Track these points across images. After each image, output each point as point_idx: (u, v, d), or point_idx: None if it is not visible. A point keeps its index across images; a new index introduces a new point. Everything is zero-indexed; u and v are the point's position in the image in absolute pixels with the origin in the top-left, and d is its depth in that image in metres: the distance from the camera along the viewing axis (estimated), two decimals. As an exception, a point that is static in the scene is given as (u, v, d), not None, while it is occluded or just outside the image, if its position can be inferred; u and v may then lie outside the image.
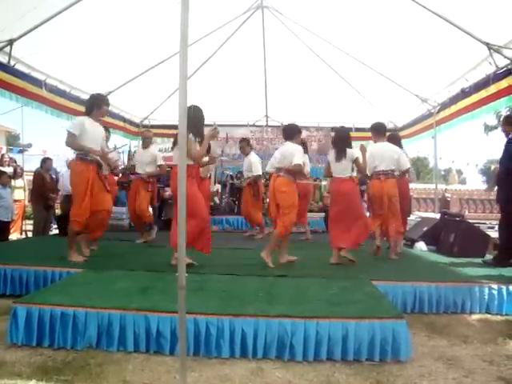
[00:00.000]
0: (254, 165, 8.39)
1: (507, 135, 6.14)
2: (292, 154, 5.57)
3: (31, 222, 9.89)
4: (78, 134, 5.39)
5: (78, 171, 5.48)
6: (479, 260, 6.30)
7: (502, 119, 6.44)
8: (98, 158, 5.62)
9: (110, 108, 10.39)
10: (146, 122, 12.79)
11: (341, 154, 5.75)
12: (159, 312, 3.51)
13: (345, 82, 10.32)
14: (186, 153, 5.07)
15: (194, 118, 5.13)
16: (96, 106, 5.67)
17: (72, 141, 5.43)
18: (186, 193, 5.01)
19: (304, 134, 9.46)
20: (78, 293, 3.97)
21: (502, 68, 6.83)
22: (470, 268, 5.76)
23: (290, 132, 5.88)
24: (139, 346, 3.47)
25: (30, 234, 10.05)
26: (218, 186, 11.39)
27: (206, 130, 5.28)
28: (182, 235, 2.83)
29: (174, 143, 5.43)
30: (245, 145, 8.66)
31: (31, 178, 10.16)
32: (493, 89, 7.13)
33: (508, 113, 12.79)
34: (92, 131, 5.53)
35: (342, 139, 5.91)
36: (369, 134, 7.17)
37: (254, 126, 13.44)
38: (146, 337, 3.47)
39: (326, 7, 7.67)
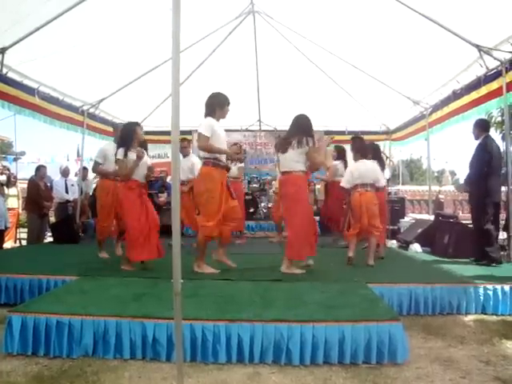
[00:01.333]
0: (197, 166, 8.14)
1: (477, 138, 6.42)
2: (374, 170, 6.34)
3: (25, 230, 9.85)
4: (210, 137, 5.11)
5: (213, 177, 5.22)
6: (475, 261, 6.34)
7: (474, 123, 6.62)
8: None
9: (102, 114, 10.58)
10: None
11: None
12: (155, 319, 3.50)
13: (337, 85, 10.34)
14: (309, 159, 5.34)
15: (306, 125, 5.47)
16: (218, 105, 5.30)
17: (205, 144, 5.12)
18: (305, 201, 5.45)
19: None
20: (74, 301, 3.96)
21: (493, 69, 6.87)
22: (465, 269, 5.79)
23: (365, 151, 6.45)
24: (135, 353, 3.46)
25: (24, 243, 10.03)
26: None
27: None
28: (177, 243, 2.83)
29: (279, 149, 5.54)
30: (187, 144, 7.97)
31: (25, 186, 10.14)
32: (484, 90, 7.17)
33: (499, 114, 12.88)
34: (220, 132, 5.29)
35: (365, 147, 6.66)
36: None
37: (247, 130, 13.48)
38: (142, 344, 3.46)
39: (317, 11, 7.69)
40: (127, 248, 5.57)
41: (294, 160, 5.34)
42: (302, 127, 5.45)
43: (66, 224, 8.57)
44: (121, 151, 5.55)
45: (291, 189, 5.37)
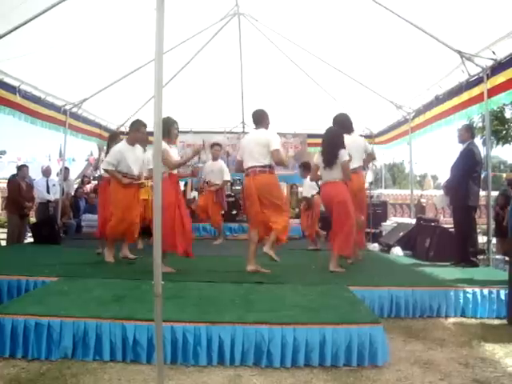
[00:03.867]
0: (226, 170, 8.84)
1: (462, 142, 6.57)
2: None
3: (5, 230, 9.71)
4: None
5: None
6: (454, 264, 6.41)
7: (460, 127, 6.78)
8: None
9: (85, 115, 10.49)
10: (122, 129, 12.69)
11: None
12: (135, 320, 3.47)
13: (321, 88, 10.37)
14: None
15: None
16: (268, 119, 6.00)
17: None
18: None
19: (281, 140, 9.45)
20: (53, 302, 3.91)
21: (474, 76, 6.96)
22: (445, 272, 5.85)
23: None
24: (115, 355, 3.42)
25: (3, 243, 9.88)
26: (195, 193, 11.33)
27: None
28: (158, 242, 2.81)
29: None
30: (219, 149, 9.09)
31: (5, 185, 9.99)
32: (465, 96, 7.27)
33: (480, 120, 13.09)
34: None
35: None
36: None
37: (230, 132, 13.43)
38: (123, 345, 3.43)
39: (303, 15, 7.71)
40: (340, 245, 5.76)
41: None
42: None
43: (47, 224, 8.47)
44: None
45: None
